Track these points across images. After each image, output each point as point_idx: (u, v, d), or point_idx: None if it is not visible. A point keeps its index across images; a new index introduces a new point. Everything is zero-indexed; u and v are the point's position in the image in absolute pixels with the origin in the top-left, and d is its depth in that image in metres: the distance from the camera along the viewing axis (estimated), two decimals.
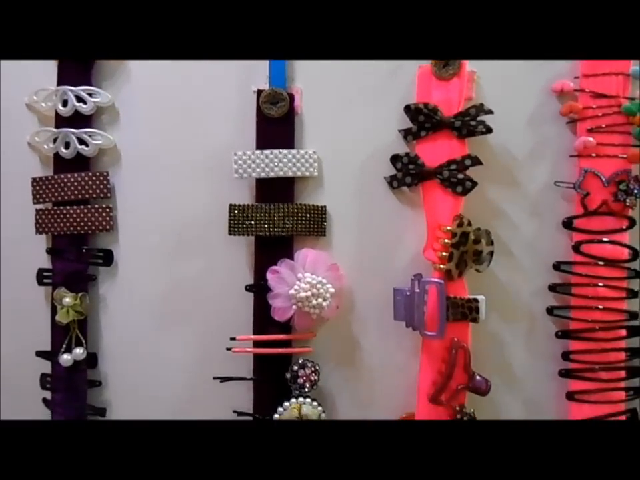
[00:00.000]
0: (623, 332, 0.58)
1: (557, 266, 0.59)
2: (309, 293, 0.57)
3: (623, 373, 0.58)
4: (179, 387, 0.63)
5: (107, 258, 0.63)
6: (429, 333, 0.56)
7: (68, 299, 0.61)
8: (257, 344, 0.60)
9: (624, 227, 0.58)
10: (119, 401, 0.64)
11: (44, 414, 0.64)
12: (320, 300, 0.57)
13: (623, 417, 0.58)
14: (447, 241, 0.56)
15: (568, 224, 0.59)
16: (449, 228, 0.56)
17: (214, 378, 0.60)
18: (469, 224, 0.56)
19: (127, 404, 0.64)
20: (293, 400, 0.59)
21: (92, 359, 0.63)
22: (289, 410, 0.58)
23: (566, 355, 0.59)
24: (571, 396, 0.59)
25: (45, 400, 0.64)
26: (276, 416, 0.58)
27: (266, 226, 0.60)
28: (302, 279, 0.58)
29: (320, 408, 0.59)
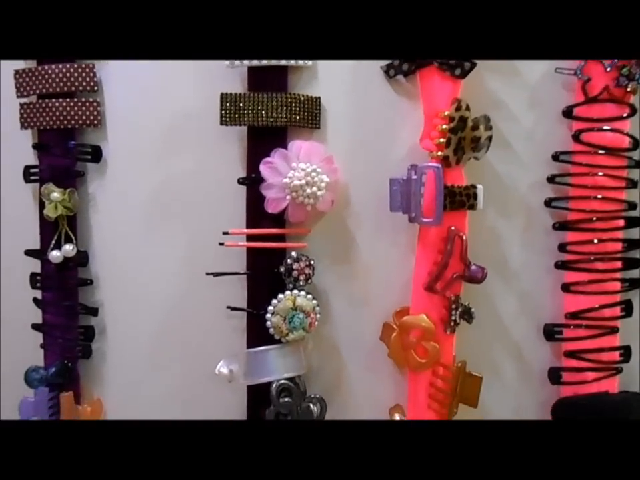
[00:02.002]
0: (621, 222, 0.57)
1: (556, 156, 0.58)
2: (303, 182, 0.56)
3: (619, 264, 0.58)
4: (172, 283, 0.62)
5: (95, 154, 0.62)
6: (425, 220, 0.55)
7: (56, 194, 0.60)
8: (250, 238, 0.59)
9: (625, 115, 0.57)
10: (112, 301, 0.64)
11: (35, 315, 0.63)
12: (314, 189, 0.56)
13: (618, 308, 0.58)
14: (444, 126, 0.55)
15: (568, 112, 0.57)
16: (446, 113, 0.55)
17: (207, 274, 0.59)
18: (467, 108, 0.55)
19: (120, 303, 0.64)
20: (287, 292, 0.58)
21: (83, 258, 0.62)
22: (283, 301, 0.58)
23: (562, 247, 0.58)
24: (566, 287, 0.58)
25: (35, 299, 0.63)
26: (270, 308, 0.58)
27: (259, 115, 0.58)
28: (296, 168, 0.56)
29: (315, 301, 0.58)
